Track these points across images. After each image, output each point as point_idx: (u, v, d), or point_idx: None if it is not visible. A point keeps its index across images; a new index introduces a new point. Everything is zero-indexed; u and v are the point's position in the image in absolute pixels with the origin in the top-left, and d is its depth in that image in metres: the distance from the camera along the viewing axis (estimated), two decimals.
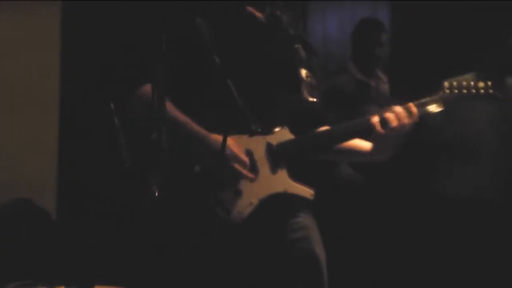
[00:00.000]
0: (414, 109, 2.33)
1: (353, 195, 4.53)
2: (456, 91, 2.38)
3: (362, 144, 2.43)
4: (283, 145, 2.33)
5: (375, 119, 2.32)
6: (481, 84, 2.38)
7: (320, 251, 2.40)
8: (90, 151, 4.52)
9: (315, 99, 2.37)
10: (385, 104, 4.62)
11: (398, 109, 2.33)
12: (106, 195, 4.39)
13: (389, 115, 2.31)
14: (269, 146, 2.32)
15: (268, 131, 2.33)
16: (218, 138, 2.24)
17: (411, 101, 2.40)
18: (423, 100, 2.39)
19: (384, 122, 2.32)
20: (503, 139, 4.13)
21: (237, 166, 2.25)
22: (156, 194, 1.90)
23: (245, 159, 2.27)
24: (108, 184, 4.31)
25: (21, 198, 4.08)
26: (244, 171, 2.26)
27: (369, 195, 4.50)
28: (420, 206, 4.43)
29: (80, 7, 4.54)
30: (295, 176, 2.35)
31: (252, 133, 2.29)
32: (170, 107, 2.27)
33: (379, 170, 4.29)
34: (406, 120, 2.31)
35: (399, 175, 4.53)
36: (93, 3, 4.49)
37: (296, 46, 2.43)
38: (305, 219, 2.40)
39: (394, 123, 2.31)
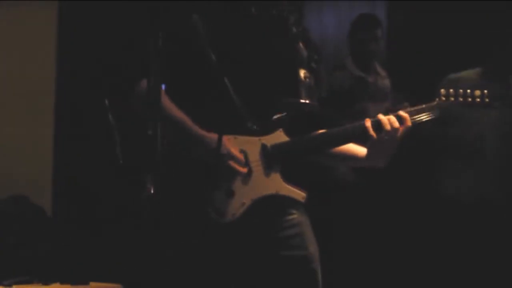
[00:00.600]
0: (405, 115, 2.34)
1: (347, 194, 4.52)
2: (452, 99, 2.39)
3: (358, 150, 2.44)
4: (278, 147, 2.33)
5: (368, 123, 2.33)
6: (477, 93, 2.39)
7: (313, 248, 2.40)
8: (86, 149, 4.52)
9: (312, 102, 2.37)
10: (383, 100, 4.64)
11: (391, 116, 2.34)
12: (102, 192, 4.39)
13: (383, 120, 2.32)
14: (263, 148, 2.31)
15: (264, 132, 2.33)
16: (214, 137, 2.24)
17: (409, 101, 2.42)
18: (419, 107, 2.39)
19: (377, 126, 2.32)
20: (505, 140, 4.12)
21: (232, 163, 2.25)
22: (151, 192, 1.90)
23: (241, 156, 2.27)
24: (103, 181, 4.31)
25: (17, 195, 4.08)
26: (240, 168, 2.26)
27: (368, 194, 4.50)
28: (421, 206, 4.43)
29: (77, 7, 4.54)
30: (289, 178, 2.35)
31: (248, 131, 2.29)
32: (169, 104, 2.27)
33: (381, 169, 4.29)
34: (396, 125, 2.32)
35: (400, 175, 4.53)
36: (89, 3, 4.49)
37: (297, 45, 2.43)
38: (299, 216, 2.40)
39: (387, 127, 2.32)
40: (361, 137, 2.37)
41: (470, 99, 2.39)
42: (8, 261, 3.77)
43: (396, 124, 2.32)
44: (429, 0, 5.12)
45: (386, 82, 4.80)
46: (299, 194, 2.33)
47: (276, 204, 2.34)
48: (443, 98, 2.39)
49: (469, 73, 4.12)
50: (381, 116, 2.33)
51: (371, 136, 2.32)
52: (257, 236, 2.32)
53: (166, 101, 2.27)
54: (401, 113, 2.34)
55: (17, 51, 4.52)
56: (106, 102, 2.29)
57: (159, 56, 1.92)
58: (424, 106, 2.40)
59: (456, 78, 4.05)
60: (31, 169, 4.43)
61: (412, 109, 2.39)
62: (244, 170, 2.27)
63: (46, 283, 3.59)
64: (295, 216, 2.39)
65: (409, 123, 2.33)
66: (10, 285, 3.50)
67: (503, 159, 4.10)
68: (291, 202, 2.36)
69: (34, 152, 4.50)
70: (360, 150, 2.43)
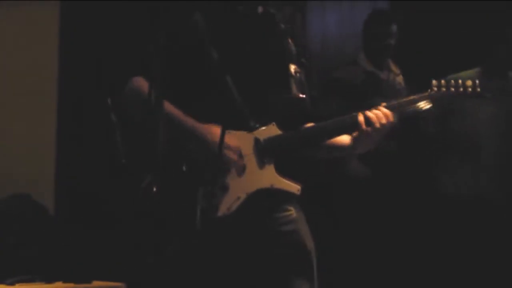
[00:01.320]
0: (387, 112, 2.36)
1: (355, 191, 4.52)
2: (444, 89, 2.42)
3: (341, 138, 2.46)
4: (271, 141, 2.34)
5: (361, 118, 2.35)
6: (469, 83, 2.42)
7: (309, 245, 2.42)
8: (88, 148, 4.53)
9: (303, 96, 2.39)
10: (396, 97, 4.61)
11: (382, 110, 2.36)
12: (104, 191, 4.39)
13: (372, 116, 2.34)
14: (256, 142, 2.33)
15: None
16: (206, 128, 2.26)
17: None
18: (411, 98, 2.42)
19: (369, 120, 2.34)
20: (501, 138, 4.13)
21: (230, 154, 2.27)
22: (154, 190, 1.91)
23: (236, 145, 2.29)
24: (106, 180, 4.32)
25: (20, 193, 4.08)
26: (237, 159, 2.28)
27: (370, 192, 4.50)
28: (421, 204, 4.44)
29: (78, 7, 4.55)
30: (289, 173, 2.36)
31: (250, 130, 2.31)
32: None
33: (381, 168, 4.30)
34: (390, 119, 2.35)
35: (399, 173, 4.53)
36: (91, 3, 4.50)
37: (286, 41, 2.45)
38: (294, 213, 2.41)
39: (376, 124, 2.34)
40: (352, 130, 2.39)
41: (461, 89, 2.42)
42: (10, 260, 3.77)
43: (390, 118, 2.34)
44: None
45: (399, 80, 4.76)
46: (294, 187, 2.34)
47: (271, 200, 2.35)
48: (435, 89, 2.42)
49: (468, 73, 4.14)
50: (371, 114, 2.35)
51: (363, 130, 2.34)
52: (253, 232, 2.34)
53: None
54: (386, 111, 2.36)
55: (19, 50, 4.53)
56: (109, 101, 2.30)
57: (159, 55, 1.93)
58: (416, 97, 2.43)
59: (455, 78, 4.07)
60: (33, 168, 4.44)
61: (405, 100, 2.42)
62: (241, 160, 2.28)
63: (48, 282, 3.59)
64: (291, 212, 2.40)
65: (391, 119, 2.35)
66: (13, 283, 3.51)
67: (501, 156, 4.11)
68: (287, 198, 2.38)
69: (37, 151, 4.51)
70: (343, 138, 2.46)
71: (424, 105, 2.41)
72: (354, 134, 2.41)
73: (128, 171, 2.21)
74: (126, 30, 4.31)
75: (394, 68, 4.78)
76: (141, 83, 2.31)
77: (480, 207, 4.07)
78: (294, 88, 2.39)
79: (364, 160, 4.46)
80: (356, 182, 4.53)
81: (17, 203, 4.02)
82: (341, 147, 2.47)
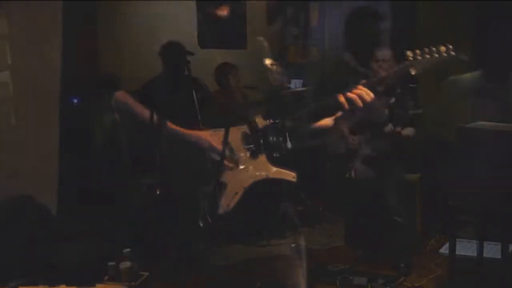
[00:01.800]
0: (365, 90, 2.37)
1: (361, 190, 4.52)
2: (419, 57, 2.43)
3: (324, 121, 2.47)
4: (259, 132, 2.35)
5: (342, 98, 2.36)
6: (443, 49, 2.42)
7: (301, 242, 2.44)
8: (91, 148, 4.54)
9: (282, 85, 2.42)
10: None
11: (362, 88, 2.38)
12: (106, 192, 4.40)
13: (353, 95, 2.36)
14: (244, 135, 2.34)
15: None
16: (195, 134, 2.27)
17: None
18: (392, 71, 2.43)
19: (350, 100, 2.36)
20: (503, 137, 4.13)
21: (218, 157, 2.28)
22: (157, 192, 1.92)
23: (221, 148, 2.31)
24: (108, 181, 4.33)
25: (23, 194, 4.10)
26: (225, 160, 2.30)
27: (371, 192, 4.52)
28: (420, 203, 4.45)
29: (80, 7, 4.56)
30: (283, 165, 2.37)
31: (253, 129, 2.32)
32: (141, 110, 2.31)
33: (381, 168, 4.30)
34: (366, 98, 2.36)
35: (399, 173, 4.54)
36: (93, 3, 4.51)
37: (259, 38, 2.48)
38: (288, 209, 2.43)
39: (358, 102, 2.35)
40: (336, 110, 2.41)
41: (436, 55, 2.42)
42: (13, 262, 3.78)
43: (371, 94, 2.35)
44: None
45: None
46: (289, 174, 2.35)
47: (266, 194, 2.36)
48: (411, 59, 2.43)
49: (469, 75, 4.15)
50: (354, 90, 2.38)
51: (346, 109, 2.37)
52: (247, 227, 2.35)
53: (138, 107, 2.31)
54: (363, 88, 2.38)
55: (23, 51, 4.54)
56: (113, 101, 2.34)
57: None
58: (395, 69, 2.44)
59: (457, 79, 4.09)
60: (36, 169, 4.45)
61: (388, 73, 2.43)
62: (230, 163, 2.30)
63: (52, 285, 3.60)
64: (283, 211, 2.42)
65: (372, 95, 2.37)
66: (16, 286, 3.51)
67: (500, 156, 4.11)
68: (281, 195, 2.39)
69: (40, 152, 4.52)
70: (325, 122, 2.49)
71: (404, 74, 2.43)
72: (337, 114, 2.42)
73: (130, 172, 2.22)
74: (127, 30, 4.32)
75: (376, 67, 4.77)
76: (124, 98, 2.36)
77: (479, 206, 4.08)
78: (272, 80, 2.42)
79: (366, 161, 4.48)
80: (358, 182, 4.54)
81: (20, 204, 4.03)
82: (325, 128, 2.48)
